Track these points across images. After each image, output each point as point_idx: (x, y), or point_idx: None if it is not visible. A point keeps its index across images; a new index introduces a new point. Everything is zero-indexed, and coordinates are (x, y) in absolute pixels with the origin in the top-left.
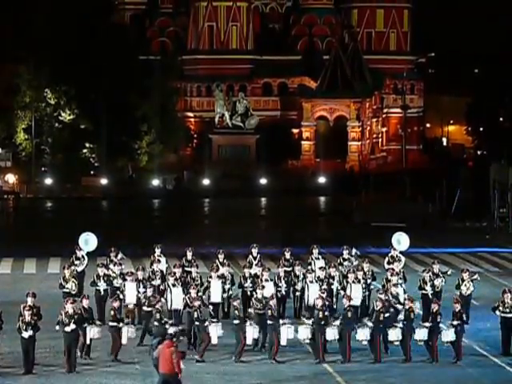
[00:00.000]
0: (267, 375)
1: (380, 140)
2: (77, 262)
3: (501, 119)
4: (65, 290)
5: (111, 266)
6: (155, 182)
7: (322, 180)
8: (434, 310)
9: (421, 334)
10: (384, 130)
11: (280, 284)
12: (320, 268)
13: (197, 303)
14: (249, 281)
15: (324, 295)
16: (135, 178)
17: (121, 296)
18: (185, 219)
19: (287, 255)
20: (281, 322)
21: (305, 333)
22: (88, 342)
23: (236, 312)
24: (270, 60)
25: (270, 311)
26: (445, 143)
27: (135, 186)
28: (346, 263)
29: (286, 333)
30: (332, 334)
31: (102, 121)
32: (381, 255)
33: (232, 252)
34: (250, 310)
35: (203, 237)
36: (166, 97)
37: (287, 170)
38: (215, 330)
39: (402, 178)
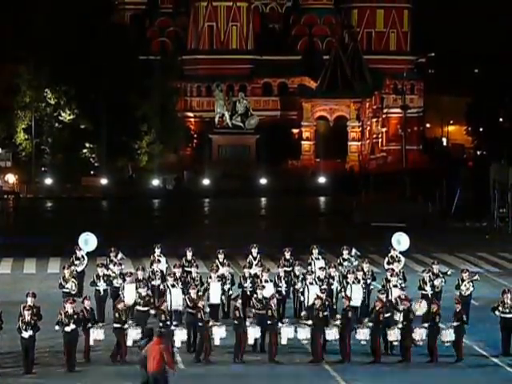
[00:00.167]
0: (267, 375)
1: (380, 140)
2: (77, 262)
3: (501, 119)
4: (64, 289)
5: (111, 266)
6: (155, 182)
7: (321, 180)
8: (434, 311)
9: (419, 334)
10: (384, 130)
11: (280, 284)
12: (320, 268)
13: (201, 303)
14: (248, 281)
15: (324, 295)
16: (135, 178)
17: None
18: (185, 219)
19: (287, 255)
20: (280, 323)
21: (304, 333)
22: (92, 343)
23: (237, 312)
24: (270, 60)
25: (269, 311)
26: (445, 143)
27: (135, 185)
28: (345, 263)
29: (286, 333)
30: (332, 334)
31: (102, 121)
32: (381, 255)
33: (232, 252)
34: (250, 311)
35: (203, 237)
36: (165, 97)
37: (287, 170)
38: (218, 332)
39: (401, 178)
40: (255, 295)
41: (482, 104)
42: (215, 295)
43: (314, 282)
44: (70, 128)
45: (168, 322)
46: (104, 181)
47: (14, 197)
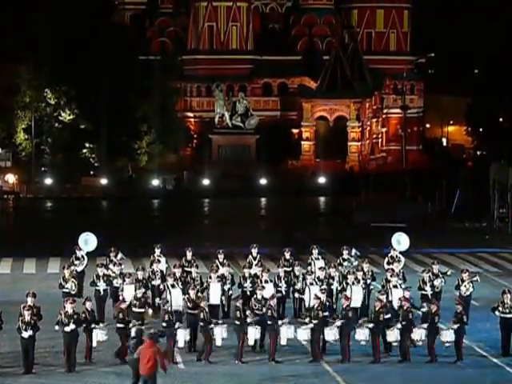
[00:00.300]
0: (267, 375)
1: (380, 140)
2: (76, 262)
3: (501, 119)
4: (64, 289)
5: (111, 266)
6: (155, 182)
7: (321, 180)
8: (433, 311)
9: (418, 334)
10: (384, 130)
11: (280, 284)
12: (320, 268)
13: (203, 303)
14: (248, 281)
15: (323, 295)
16: (135, 178)
17: (120, 297)
18: (185, 219)
19: (287, 255)
20: (280, 322)
21: (304, 334)
22: (95, 344)
23: (238, 312)
24: (270, 60)
25: (269, 311)
26: (445, 143)
27: (135, 185)
28: (345, 263)
29: (286, 333)
30: (332, 334)
31: (102, 121)
32: (381, 255)
33: (232, 252)
34: (250, 311)
35: (203, 237)
36: (165, 97)
37: (287, 170)
38: (220, 332)
39: (401, 179)
40: (255, 296)
41: (482, 104)
42: (215, 296)
43: (314, 283)
44: (70, 128)
45: (172, 322)
46: (104, 181)
47: (13, 197)
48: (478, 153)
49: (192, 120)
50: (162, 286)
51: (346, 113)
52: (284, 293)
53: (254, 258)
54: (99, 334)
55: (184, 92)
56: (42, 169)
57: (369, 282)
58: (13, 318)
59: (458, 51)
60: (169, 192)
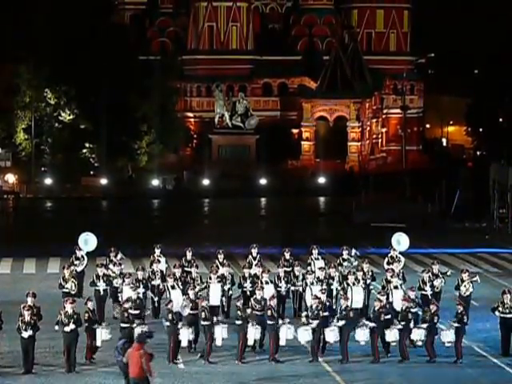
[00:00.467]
0: (267, 375)
1: (380, 140)
2: (76, 262)
3: (501, 119)
4: (64, 289)
5: (111, 266)
6: (155, 182)
7: (321, 180)
8: (432, 311)
9: (418, 334)
10: (384, 130)
11: (280, 284)
12: (320, 268)
13: (205, 303)
14: (248, 281)
15: (323, 295)
16: (135, 178)
17: (119, 298)
18: (185, 219)
19: (287, 255)
20: (280, 322)
21: (305, 335)
22: (99, 344)
23: (238, 312)
24: (270, 60)
25: (269, 311)
26: (445, 144)
27: (135, 186)
28: (345, 263)
29: (285, 333)
30: (333, 336)
31: (102, 121)
32: (380, 256)
33: (232, 252)
34: (249, 311)
35: (203, 237)
36: (165, 97)
37: (287, 170)
38: (220, 332)
39: (401, 179)
40: (254, 296)
41: (482, 104)
42: (215, 296)
43: (314, 282)
44: (69, 128)
45: (175, 321)
46: (104, 181)
47: (13, 197)
48: (478, 153)
49: (192, 120)
50: (161, 286)
51: (346, 113)
52: (284, 293)
53: (254, 258)
54: (103, 333)
55: (184, 92)
56: (42, 169)
57: (368, 282)
58: (13, 318)
59: (458, 51)
60: (169, 192)
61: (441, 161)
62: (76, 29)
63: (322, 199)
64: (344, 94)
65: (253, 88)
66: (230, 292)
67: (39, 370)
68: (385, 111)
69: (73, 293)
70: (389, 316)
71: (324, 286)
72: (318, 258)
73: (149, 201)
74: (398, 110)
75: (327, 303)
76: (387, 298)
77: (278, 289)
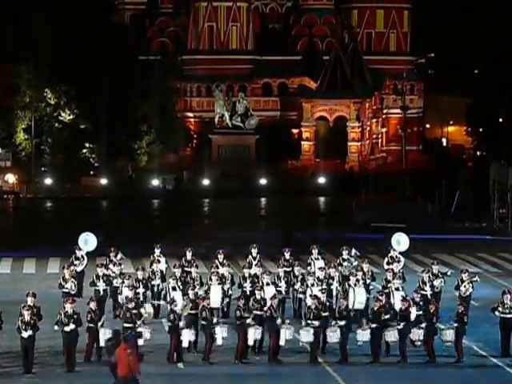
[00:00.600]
0: (267, 375)
1: (380, 140)
2: (76, 262)
3: (501, 119)
4: (64, 289)
5: (111, 266)
6: (155, 182)
7: (321, 180)
8: (431, 311)
9: (417, 334)
10: (384, 130)
11: (280, 284)
12: (319, 268)
13: (205, 302)
14: (248, 281)
15: (323, 295)
16: (135, 178)
17: (118, 298)
18: (185, 219)
19: (287, 255)
20: (279, 322)
21: (307, 336)
22: (103, 344)
23: (238, 312)
24: (270, 60)
25: (269, 312)
26: (445, 144)
27: (135, 186)
28: (345, 263)
29: (285, 334)
30: (335, 336)
31: (102, 121)
32: (380, 256)
33: (232, 252)
34: (249, 311)
35: (203, 237)
36: (165, 97)
37: (287, 170)
38: (221, 332)
39: (401, 179)
40: (254, 296)
41: (482, 104)
42: (216, 299)
43: (315, 283)
44: (69, 128)
45: (176, 322)
46: (104, 181)
47: (13, 197)
48: (478, 153)
49: (192, 120)
50: (161, 286)
51: (346, 113)
52: (284, 293)
53: (254, 258)
54: (107, 333)
55: (184, 92)
56: (42, 169)
57: (368, 282)
58: (13, 318)
59: (458, 51)
60: (169, 192)
61: (441, 161)
62: (76, 29)
63: (322, 199)
64: (344, 94)
65: (253, 88)
66: (230, 292)
67: (39, 370)
68: (385, 111)
69: (73, 293)
70: (388, 316)
71: (324, 286)
72: (318, 258)
73: (149, 201)
74: (398, 110)
75: (327, 303)
76: (388, 298)
77: (278, 289)
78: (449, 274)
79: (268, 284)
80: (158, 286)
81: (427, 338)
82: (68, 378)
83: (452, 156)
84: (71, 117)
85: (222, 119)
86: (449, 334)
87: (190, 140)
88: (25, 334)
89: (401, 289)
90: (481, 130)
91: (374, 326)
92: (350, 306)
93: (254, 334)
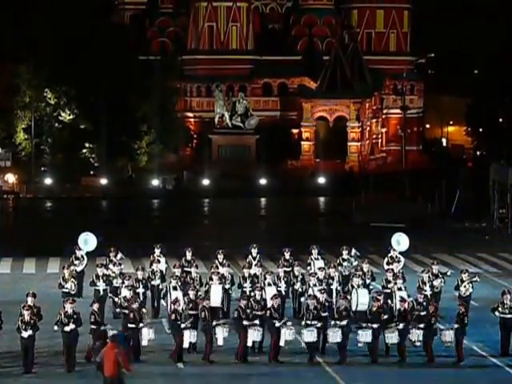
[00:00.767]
0: (267, 375)
1: (380, 140)
2: (76, 262)
3: (501, 119)
4: (64, 289)
5: (111, 265)
6: (155, 182)
7: (321, 180)
8: (430, 312)
9: (416, 335)
10: (384, 130)
11: (280, 284)
12: (319, 268)
13: (205, 303)
14: (248, 281)
15: (323, 295)
16: (135, 178)
17: (116, 299)
18: (185, 219)
19: (287, 255)
20: (278, 323)
21: (309, 336)
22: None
23: (236, 312)
24: (270, 60)
25: (269, 312)
26: (444, 144)
27: (135, 186)
28: (345, 263)
29: (285, 334)
30: (337, 337)
31: (102, 121)
32: (380, 255)
33: (232, 252)
34: (248, 311)
35: (203, 237)
36: (165, 97)
37: (287, 171)
38: (221, 332)
39: (401, 179)
40: (253, 297)
41: (482, 104)
42: (216, 298)
43: (317, 284)
44: (69, 128)
45: (179, 322)
46: (104, 181)
47: (13, 197)
48: (478, 153)
49: (192, 120)
50: (161, 286)
51: (346, 113)
52: (284, 293)
53: (254, 258)
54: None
55: (184, 92)
56: (42, 169)
57: (368, 282)
58: (13, 318)
59: (458, 51)
60: (169, 192)
61: (441, 161)
62: (76, 29)
63: (321, 199)
64: (344, 94)
65: (253, 88)
66: (230, 292)
67: (39, 369)
68: (385, 111)
69: (72, 293)
70: (386, 316)
71: (323, 286)
72: (317, 258)
73: (149, 201)
74: (398, 110)
75: (326, 303)
76: (387, 298)
77: (278, 289)
78: (449, 274)
79: (270, 284)
80: (158, 286)
81: (426, 338)
82: (68, 377)
83: (452, 156)
84: (71, 117)
85: (222, 119)
86: (448, 335)
87: (190, 140)
88: (25, 334)
89: (403, 289)
90: (481, 130)
91: (375, 325)
92: (354, 307)
93: (253, 335)
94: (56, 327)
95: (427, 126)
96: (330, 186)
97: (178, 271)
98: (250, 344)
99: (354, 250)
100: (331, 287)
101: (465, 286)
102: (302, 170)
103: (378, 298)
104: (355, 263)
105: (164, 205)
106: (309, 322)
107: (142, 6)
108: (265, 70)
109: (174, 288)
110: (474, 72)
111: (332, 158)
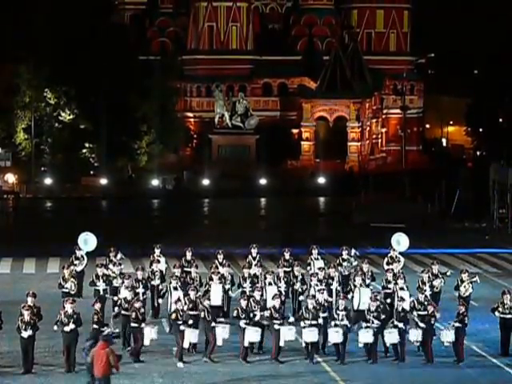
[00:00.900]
0: (267, 375)
1: (380, 140)
2: (76, 262)
3: (500, 120)
4: (64, 289)
5: (110, 265)
6: (155, 182)
7: (321, 180)
8: (429, 312)
9: (415, 335)
10: (384, 130)
11: (280, 284)
12: (319, 268)
13: (205, 303)
14: (248, 281)
15: (322, 295)
16: (135, 178)
17: (114, 298)
18: (185, 219)
19: (286, 256)
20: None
21: (310, 336)
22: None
23: (235, 312)
24: (270, 60)
25: (269, 312)
26: (444, 144)
27: (135, 186)
28: (345, 264)
29: (285, 334)
30: (337, 336)
31: (102, 121)
32: (380, 256)
33: (232, 252)
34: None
35: (203, 237)
36: (165, 97)
37: (287, 171)
38: (221, 332)
39: (401, 179)
40: (253, 297)
41: (482, 104)
42: (217, 297)
43: (318, 284)
44: (69, 128)
45: (180, 322)
46: (104, 181)
47: (13, 197)
48: (478, 153)
49: (192, 120)
50: (161, 286)
51: (346, 113)
52: (284, 293)
53: (254, 258)
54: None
55: (184, 92)
56: (42, 169)
57: (368, 282)
58: (13, 318)
59: (458, 51)
60: (169, 192)
61: (441, 161)
62: (76, 29)
63: (321, 199)
64: (344, 94)
65: (253, 88)
66: (230, 292)
67: (39, 369)
68: (385, 111)
69: (72, 293)
70: (384, 316)
71: (323, 286)
72: (317, 258)
73: (149, 201)
74: (398, 110)
75: (326, 304)
76: (386, 298)
77: (278, 289)
78: (448, 274)
79: (270, 284)
80: (158, 286)
81: (426, 338)
82: (68, 377)
83: (452, 156)
84: (71, 117)
85: (222, 119)
86: (448, 335)
87: (189, 140)
88: (25, 334)
89: (405, 288)
90: (481, 130)
91: (374, 325)
92: (356, 306)
93: (250, 335)
94: (56, 327)
95: (427, 126)
96: (329, 186)
97: (177, 271)
98: (246, 344)
99: (353, 250)
100: (331, 287)
101: (465, 286)
102: (301, 170)
103: (377, 297)
104: (355, 263)
105: (164, 205)
106: (308, 322)
107: (142, 6)
108: (265, 69)
109: (175, 288)
110: (474, 72)
111: (332, 158)
